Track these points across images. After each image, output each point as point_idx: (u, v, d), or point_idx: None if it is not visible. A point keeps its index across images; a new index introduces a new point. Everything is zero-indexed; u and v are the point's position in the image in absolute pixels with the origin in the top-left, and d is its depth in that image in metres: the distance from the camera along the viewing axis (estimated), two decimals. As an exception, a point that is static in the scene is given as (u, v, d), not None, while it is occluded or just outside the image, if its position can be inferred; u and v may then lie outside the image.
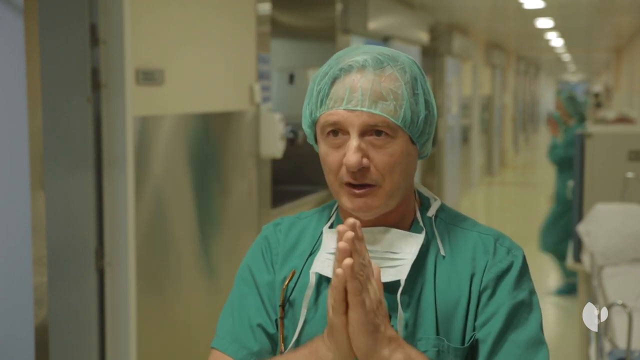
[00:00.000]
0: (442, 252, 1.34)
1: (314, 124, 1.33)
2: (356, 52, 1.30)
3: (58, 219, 3.10)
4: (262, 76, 4.36)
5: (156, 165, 3.37)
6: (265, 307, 1.39)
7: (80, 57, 3.07)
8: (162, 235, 3.43)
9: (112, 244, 3.14)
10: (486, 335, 1.30)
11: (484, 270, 1.32)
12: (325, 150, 1.31)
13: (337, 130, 1.28)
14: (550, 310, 6.38)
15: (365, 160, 1.27)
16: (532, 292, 1.34)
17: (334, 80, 1.28)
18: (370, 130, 1.27)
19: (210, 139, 3.80)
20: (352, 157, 1.25)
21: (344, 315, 1.14)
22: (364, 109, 1.25)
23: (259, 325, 1.37)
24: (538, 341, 1.30)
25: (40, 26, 2.49)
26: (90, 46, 3.07)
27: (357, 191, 1.29)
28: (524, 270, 1.34)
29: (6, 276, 2.48)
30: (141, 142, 3.23)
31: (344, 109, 1.26)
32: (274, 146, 4.30)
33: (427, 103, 1.31)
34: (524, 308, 1.31)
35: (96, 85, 3.09)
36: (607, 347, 3.22)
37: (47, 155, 2.94)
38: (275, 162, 4.71)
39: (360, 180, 1.28)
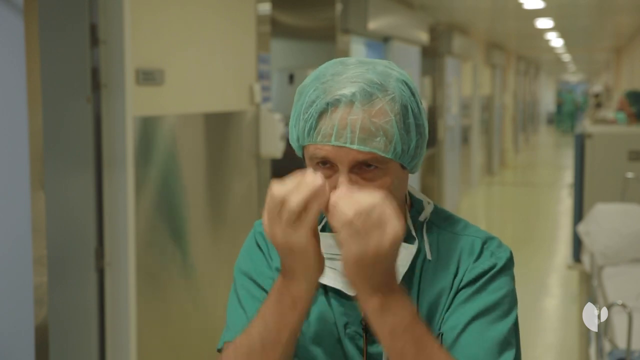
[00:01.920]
0: (429, 256, 1.34)
1: (301, 147, 1.31)
2: (344, 77, 1.26)
3: (58, 219, 3.10)
4: (262, 76, 4.36)
5: (156, 165, 3.37)
6: (265, 291, 1.38)
7: (80, 57, 3.07)
8: (162, 235, 3.43)
9: (112, 244, 3.14)
10: (453, 326, 1.28)
11: (466, 270, 1.32)
12: None
13: (326, 161, 1.26)
14: (550, 311, 6.38)
15: None
16: (511, 293, 1.32)
17: (320, 114, 1.24)
18: (360, 164, 1.25)
19: (210, 139, 3.80)
20: None
21: (305, 229, 1.16)
22: (353, 147, 1.22)
23: None
24: (506, 342, 1.27)
25: (40, 26, 2.49)
26: (90, 46, 3.07)
27: None
28: (505, 270, 1.32)
29: (6, 276, 2.48)
30: (141, 142, 3.23)
31: (331, 146, 1.24)
32: (274, 146, 4.30)
33: (418, 128, 1.28)
34: (498, 307, 1.29)
35: (96, 85, 3.09)
36: (607, 347, 3.22)
37: (47, 155, 2.94)
38: (275, 162, 4.71)
39: None
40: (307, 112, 1.26)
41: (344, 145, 1.23)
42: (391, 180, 1.27)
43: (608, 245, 4.26)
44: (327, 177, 1.26)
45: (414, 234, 1.35)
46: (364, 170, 1.25)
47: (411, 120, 1.27)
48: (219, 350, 1.39)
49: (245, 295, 1.39)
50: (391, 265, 1.17)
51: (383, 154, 1.24)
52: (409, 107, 1.27)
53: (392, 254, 1.15)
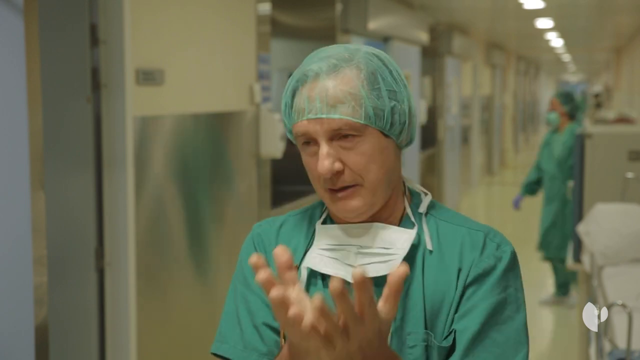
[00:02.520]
0: (429, 247, 1.33)
1: (291, 133, 1.35)
2: (315, 57, 1.31)
3: (58, 219, 3.10)
4: (262, 76, 4.36)
5: (156, 165, 3.37)
6: (267, 304, 1.36)
7: (80, 57, 3.07)
8: (162, 235, 3.43)
9: (112, 244, 3.14)
10: (465, 328, 1.28)
11: (471, 266, 1.31)
12: (304, 158, 1.33)
13: (309, 140, 1.30)
14: (549, 311, 6.38)
15: (337, 165, 1.27)
16: (519, 290, 1.32)
17: (294, 92, 1.30)
18: (338, 134, 1.27)
19: (210, 139, 3.80)
20: (321, 164, 1.27)
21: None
22: (324, 116, 1.26)
23: (264, 324, 1.36)
24: (519, 341, 1.28)
25: (40, 26, 2.49)
26: (90, 46, 3.07)
27: (339, 194, 1.30)
28: (512, 267, 1.32)
29: (6, 276, 2.47)
30: (141, 142, 3.23)
31: (307, 120, 1.27)
32: (274, 146, 4.30)
33: (392, 93, 1.30)
34: (508, 305, 1.29)
35: (96, 85, 3.09)
36: (607, 347, 3.22)
37: (47, 155, 2.94)
38: (275, 162, 4.72)
39: (338, 185, 1.29)
40: (285, 95, 1.32)
41: (315, 117, 1.27)
42: (372, 147, 1.28)
43: (608, 245, 4.26)
44: (313, 155, 1.30)
45: (413, 220, 1.35)
46: (342, 140, 1.28)
47: (381, 85, 1.29)
48: (214, 355, 1.41)
49: (243, 308, 1.39)
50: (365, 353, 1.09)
51: (354, 120, 1.26)
52: (378, 73, 1.30)
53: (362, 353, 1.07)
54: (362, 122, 1.27)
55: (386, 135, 1.30)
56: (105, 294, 3.16)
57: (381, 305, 1.07)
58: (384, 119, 1.28)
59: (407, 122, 1.33)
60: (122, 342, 3.17)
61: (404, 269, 1.05)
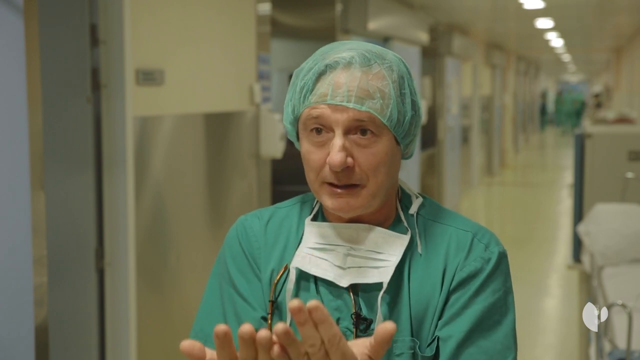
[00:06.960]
0: (419, 250, 1.30)
1: (296, 120, 1.28)
2: (342, 47, 1.26)
3: (58, 219, 3.10)
4: (262, 76, 4.36)
5: (156, 165, 3.37)
6: (254, 308, 1.33)
7: (80, 57, 3.07)
8: (162, 235, 3.43)
9: (112, 244, 3.14)
10: (449, 336, 1.24)
11: (456, 269, 1.27)
12: (307, 147, 1.26)
13: (320, 128, 1.24)
14: (550, 311, 6.38)
15: (349, 160, 1.22)
16: (507, 293, 1.28)
17: (318, 76, 1.24)
18: (355, 129, 1.22)
19: (210, 139, 3.80)
20: (336, 156, 1.21)
21: None
22: (350, 105, 1.21)
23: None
24: (507, 346, 1.24)
25: (40, 26, 2.49)
26: (90, 46, 3.07)
27: (339, 190, 1.25)
28: (500, 269, 1.28)
29: (6, 276, 2.48)
30: (141, 142, 3.23)
31: (328, 105, 1.22)
32: (274, 146, 4.31)
33: (413, 103, 1.27)
34: (495, 310, 1.25)
35: (96, 85, 3.09)
36: (607, 347, 3.22)
37: (47, 155, 2.94)
38: (275, 162, 4.72)
39: (343, 181, 1.24)
40: (304, 78, 1.26)
41: (340, 103, 1.21)
42: (385, 150, 1.24)
43: (608, 245, 4.26)
44: (321, 145, 1.24)
45: (405, 225, 1.32)
46: (358, 136, 1.23)
47: (407, 91, 1.26)
48: None
49: (230, 309, 1.36)
50: None
51: (379, 116, 1.22)
52: (406, 79, 1.27)
53: None
54: (385, 122, 1.23)
55: (397, 143, 1.28)
56: (105, 294, 3.16)
57: (367, 345, 0.97)
58: (402, 126, 1.26)
59: (417, 135, 1.31)
60: (122, 342, 3.17)
61: (391, 326, 0.94)
